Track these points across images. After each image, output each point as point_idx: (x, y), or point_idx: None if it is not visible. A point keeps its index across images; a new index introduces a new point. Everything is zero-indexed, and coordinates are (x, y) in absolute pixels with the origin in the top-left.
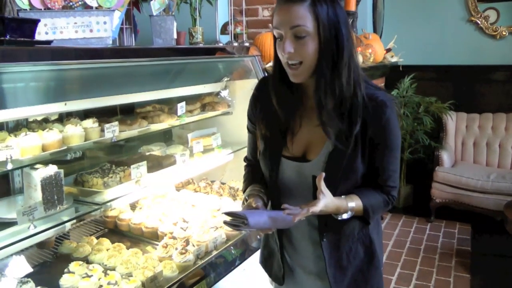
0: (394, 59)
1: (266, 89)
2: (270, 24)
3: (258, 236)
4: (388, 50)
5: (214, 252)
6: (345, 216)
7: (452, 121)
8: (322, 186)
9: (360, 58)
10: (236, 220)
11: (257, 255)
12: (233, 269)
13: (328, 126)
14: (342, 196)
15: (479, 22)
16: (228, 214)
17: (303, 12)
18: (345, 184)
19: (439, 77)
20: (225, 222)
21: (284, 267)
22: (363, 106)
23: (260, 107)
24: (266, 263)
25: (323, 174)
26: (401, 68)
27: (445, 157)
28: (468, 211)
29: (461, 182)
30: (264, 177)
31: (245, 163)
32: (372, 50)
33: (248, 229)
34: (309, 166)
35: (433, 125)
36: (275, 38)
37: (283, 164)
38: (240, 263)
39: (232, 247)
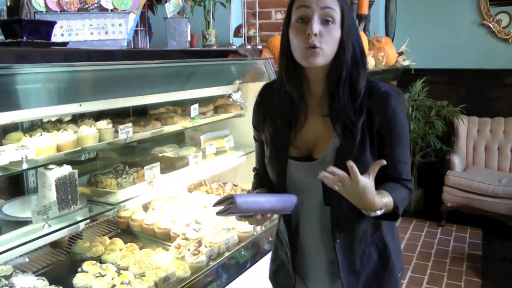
0: (406, 63)
1: (269, 94)
2: (277, 28)
3: (270, 238)
4: (400, 54)
5: (226, 254)
6: (378, 212)
7: (464, 125)
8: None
9: (372, 61)
10: (224, 205)
11: (269, 257)
12: (244, 271)
13: (339, 116)
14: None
15: (491, 26)
16: (216, 204)
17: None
18: None
19: (451, 81)
20: (216, 213)
21: (295, 278)
22: (368, 97)
23: (264, 112)
24: (274, 276)
25: (383, 161)
26: (413, 72)
27: (457, 161)
28: (479, 216)
29: (473, 187)
30: (272, 182)
31: (254, 173)
32: (385, 54)
33: (239, 212)
34: (316, 165)
35: (444, 129)
36: (286, 21)
37: (290, 165)
38: (252, 265)
39: (244, 249)
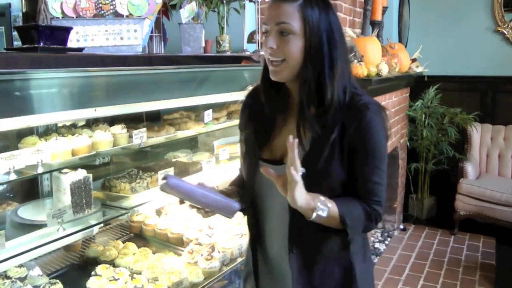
0: (419, 69)
1: (257, 97)
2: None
3: None
4: (413, 60)
5: (239, 259)
6: (320, 213)
7: (477, 132)
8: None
9: (385, 68)
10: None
11: None
12: None
13: (307, 130)
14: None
15: (506, 33)
16: (163, 178)
17: (291, 11)
18: (320, 189)
19: (464, 88)
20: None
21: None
22: (346, 109)
23: (249, 114)
24: (244, 284)
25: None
26: (426, 78)
27: (470, 169)
28: (492, 224)
29: (486, 195)
30: (245, 180)
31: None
32: (398, 60)
33: (172, 192)
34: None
35: (457, 136)
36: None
37: (261, 167)
38: None
39: None
